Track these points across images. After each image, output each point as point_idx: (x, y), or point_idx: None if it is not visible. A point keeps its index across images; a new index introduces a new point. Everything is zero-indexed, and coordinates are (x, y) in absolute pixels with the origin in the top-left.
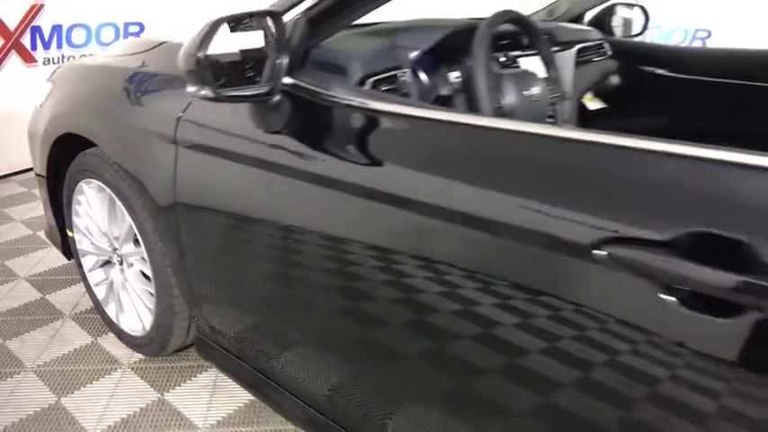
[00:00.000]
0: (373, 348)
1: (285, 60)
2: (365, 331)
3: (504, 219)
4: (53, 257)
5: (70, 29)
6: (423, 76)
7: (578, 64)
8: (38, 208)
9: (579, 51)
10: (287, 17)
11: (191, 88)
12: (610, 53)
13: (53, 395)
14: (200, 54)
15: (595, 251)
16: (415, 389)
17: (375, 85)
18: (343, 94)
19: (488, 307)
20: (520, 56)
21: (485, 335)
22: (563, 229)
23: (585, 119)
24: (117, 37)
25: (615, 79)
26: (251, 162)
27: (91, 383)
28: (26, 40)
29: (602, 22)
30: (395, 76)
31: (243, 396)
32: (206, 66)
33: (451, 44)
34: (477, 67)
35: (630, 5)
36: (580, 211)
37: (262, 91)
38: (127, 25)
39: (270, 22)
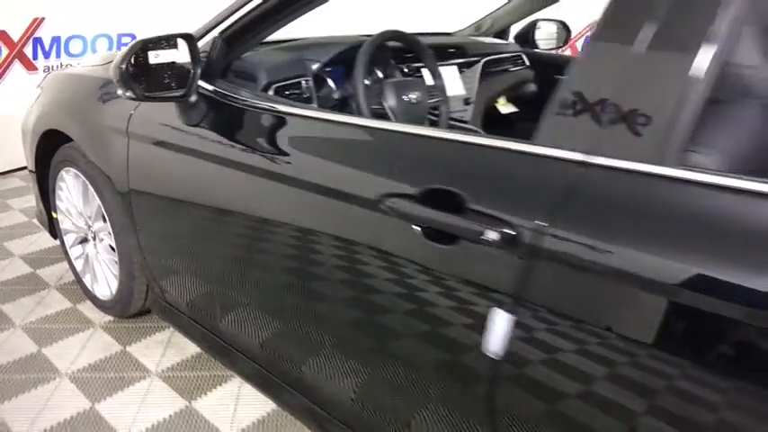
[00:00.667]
0: (293, 304)
1: (198, 71)
2: (283, 289)
3: (359, 192)
4: (44, 240)
5: (68, 40)
6: (326, 83)
7: (489, 73)
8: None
9: (490, 62)
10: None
11: (119, 91)
12: (527, 64)
13: (36, 346)
14: (123, 66)
15: (380, 204)
16: (330, 335)
17: (279, 91)
18: (246, 97)
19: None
20: (422, 66)
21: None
22: (378, 192)
23: (498, 120)
24: (111, 47)
25: (531, 87)
26: (178, 149)
27: (67, 338)
28: (28, 50)
29: (526, 37)
30: (299, 82)
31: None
32: (128, 75)
33: (346, 57)
34: (356, 77)
35: (552, 21)
36: (385, 177)
37: (177, 94)
38: (120, 36)
39: (183, 43)
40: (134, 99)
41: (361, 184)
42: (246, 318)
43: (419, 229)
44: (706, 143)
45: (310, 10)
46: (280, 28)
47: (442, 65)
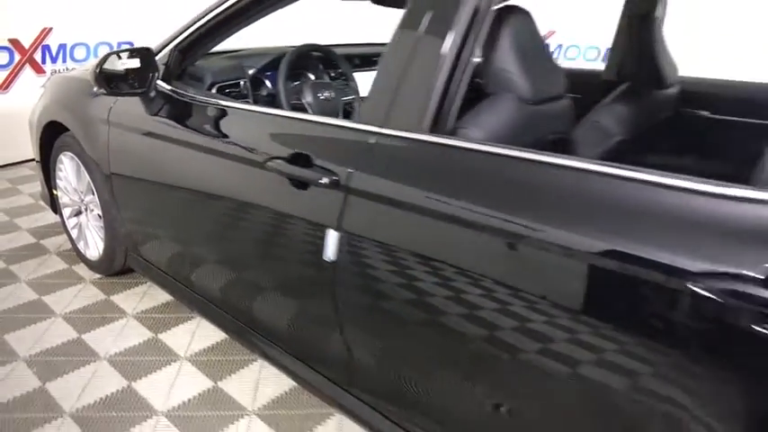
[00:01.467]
0: (231, 252)
1: (155, 74)
2: (224, 241)
3: (262, 159)
4: (47, 217)
5: (73, 47)
6: (263, 84)
7: None
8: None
9: None
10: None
11: (94, 89)
12: None
13: (37, 295)
14: (96, 70)
15: (268, 164)
16: (274, 287)
17: (221, 89)
18: (194, 94)
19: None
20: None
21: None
22: (269, 156)
23: None
24: None
25: None
26: (143, 132)
27: (63, 290)
28: (38, 56)
29: None
30: (238, 83)
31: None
32: (101, 77)
33: (276, 64)
34: (278, 80)
35: None
36: (277, 148)
37: (139, 91)
38: (120, 44)
39: (144, 55)
40: (104, 94)
41: (265, 153)
42: (203, 269)
43: (283, 179)
44: (474, 122)
45: (246, 26)
46: (221, 42)
47: (361, 70)
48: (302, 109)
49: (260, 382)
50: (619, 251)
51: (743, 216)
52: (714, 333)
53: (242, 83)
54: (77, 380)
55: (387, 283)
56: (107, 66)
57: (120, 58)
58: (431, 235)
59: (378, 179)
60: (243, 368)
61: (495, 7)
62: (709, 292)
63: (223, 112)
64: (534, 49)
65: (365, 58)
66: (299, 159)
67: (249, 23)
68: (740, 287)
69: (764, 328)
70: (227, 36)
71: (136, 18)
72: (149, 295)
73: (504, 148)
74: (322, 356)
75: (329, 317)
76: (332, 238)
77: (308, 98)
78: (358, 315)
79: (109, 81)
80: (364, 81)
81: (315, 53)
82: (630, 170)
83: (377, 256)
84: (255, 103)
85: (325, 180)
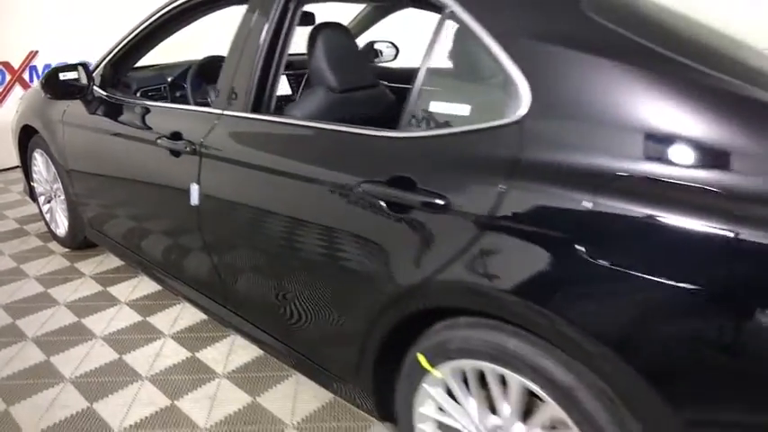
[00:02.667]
0: (147, 211)
1: (91, 83)
2: (154, 210)
3: (160, 141)
4: (30, 209)
5: None
6: (181, 88)
7: None
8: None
9: None
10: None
11: (44, 95)
12: None
13: (15, 263)
14: (43, 81)
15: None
16: (169, 231)
17: (144, 93)
18: (122, 97)
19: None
20: None
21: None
22: (161, 135)
23: None
24: None
25: None
26: (85, 128)
27: (38, 260)
28: (26, 76)
29: (367, 54)
30: (160, 88)
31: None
32: (48, 86)
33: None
34: (187, 84)
35: (384, 41)
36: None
37: (79, 95)
38: None
39: (81, 68)
40: (51, 98)
41: (157, 134)
42: (133, 229)
43: (168, 152)
44: (296, 106)
45: (157, 44)
46: (142, 55)
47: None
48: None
49: (232, 350)
50: (346, 183)
51: (386, 146)
52: (382, 227)
53: (162, 87)
54: (38, 315)
55: (231, 218)
56: (57, 77)
57: (62, 71)
58: (254, 182)
59: (218, 146)
60: (218, 341)
61: (306, 8)
62: (367, 196)
63: (142, 109)
64: (344, 52)
65: None
66: (174, 135)
67: (160, 42)
68: (377, 189)
69: (392, 214)
70: (146, 52)
71: (111, 39)
72: (105, 262)
73: (297, 120)
74: (205, 282)
75: (201, 247)
76: (194, 189)
77: (211, 96)
78: (217, 243)
79: (61, 90)
80: None
81: (220, 63)
82: (348, 127)
83: (223, 200)
84: (173, 102)
85: (188, 149)
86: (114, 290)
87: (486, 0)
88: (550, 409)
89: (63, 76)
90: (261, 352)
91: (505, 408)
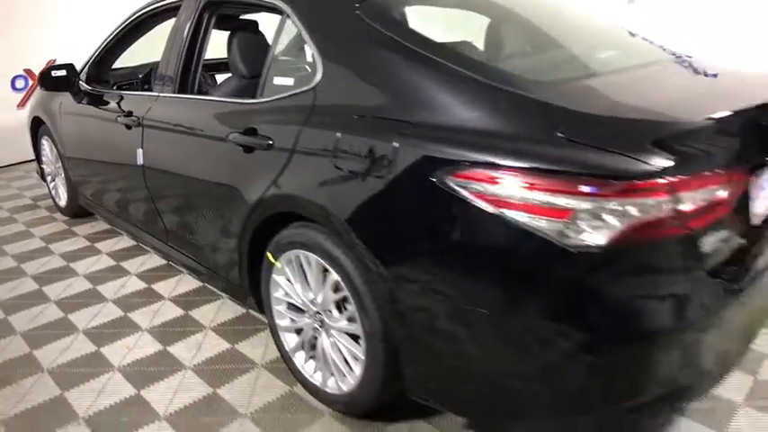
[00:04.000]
0: (117, 176)
1: (77, 79)
2: (115, 172)
3: (119, 119)
4: (43, 191)
5: None
6: (146, 82)
7: None
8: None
9: None
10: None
11: (40, 89)
12: None
13: (25, 228)
14: (39, 77)
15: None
16: (128, 188)
17: (119, 87)
18: (102, 89)
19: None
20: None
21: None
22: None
23: None
24: None
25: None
26: (74, 115)
27: (44, 225)
28: None
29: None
30: (132, 83)
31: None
32: (43, 80)
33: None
34: (152, 77)
35: None
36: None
37: (67, 89)
38: None
39: (69, 68)
40: (45, 90)
41: (118, 113)
42: (112, 197)
43: (124, 127)
44: (218, 89)
45: (129, 46)
46: (118, 55)
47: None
48: None
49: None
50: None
51: (245, 110)
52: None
53: (135, 82)
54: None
55: (162, 170)
56: (50, 74)
57: (53, 69)
58: (174, 141)
59: (154, 118)
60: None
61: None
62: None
63: (111, 97)
64: (251, 49)
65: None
66: (128, 114)
67: (129, 45)
68: (237, 137)
69: (246, 153)
70: (120, 53)
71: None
72: (96, 226)
73: (200, 96)
74: (153, 225)
75: (147, 197)
76: (139, 153)
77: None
78: (156, 191)
79: (52, 84)
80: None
81: None
82: (226, 98)
83: (156, 157)
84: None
85: (135, 122)
86: (100, 245)
87: (307, 9)
88: (332, 275)
89: (54, 73)
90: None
91: (314, 283)
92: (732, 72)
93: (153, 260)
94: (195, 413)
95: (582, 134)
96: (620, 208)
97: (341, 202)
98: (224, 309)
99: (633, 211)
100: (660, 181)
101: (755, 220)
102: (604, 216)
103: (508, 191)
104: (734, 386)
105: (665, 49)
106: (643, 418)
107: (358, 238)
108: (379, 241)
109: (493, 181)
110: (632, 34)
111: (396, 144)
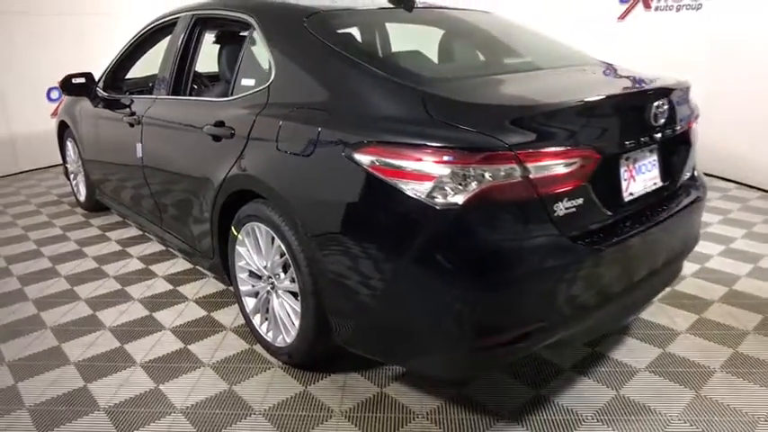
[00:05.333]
0: (126, 171)
1: (95, 86)
2: (140, 178)
3: (125, 119)
4: (69, 189)
5: None
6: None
7: None
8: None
9: None
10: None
11: (63, 95)
12: None
13: (48, 219)
14: (60, 83)
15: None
16: (134, 180)
17: (132, 92)
18: (116, 95)
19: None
20: None
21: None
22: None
23: None
24: None
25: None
26: (93, 116)
27: (64, 217)
28: None
29: None
30: (143, 90)
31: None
32: (63, 86)
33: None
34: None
35: None
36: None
37: (86, 94)
38: None
39: (87, 76)
40: (68, 95)
41: (126, 114)
42: (119, 189)
43: (128, 125)
44: (209, 92)
45: (141, 57)
46: (132, 66)
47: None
48: None
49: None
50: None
51: (218, 106)
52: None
53: (146, 89)
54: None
55: (156, 161)
56: (71, 80)
57: (73, 77)
58: (165, 135)
59: (151, 116)
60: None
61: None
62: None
63: (122, 101)
64: (236, 56)
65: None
66: (131, 114)
67: (141, 56)
68: (209, 128)
69: (215, 141)
70: (133, 63)
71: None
72: (109, 218)
73: (185, 97)
74: (151, 212)
75: (145, 186)
76: (139, 147)
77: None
78: (152, 180)
79: (72, 90)
80: None
81: None
82: (205, 98)
83: (152, 150)
84: None
85: (136, 121)
86: (110, 234)
87: (267, 22)
88: (277, 242)
89: (74, 80)
90: None
91: (265, 250)
92: (626, 75)
93: (154, 246)
94: (168, 361)
95: (453, 117)
96: (474, 174)
97: (281, 178)
98: (208, 285)
99: (486, 176)
100: (509, 153)
101: (628, 197)
102: (462, 180)
103: (392, 162)
104: (640, 355)
105: (586, 59)
106: (505, 354)
107: (293, 207)
108: (307, 209)
109: (381, 154)
110: (561, 46)
111: (319, 129)
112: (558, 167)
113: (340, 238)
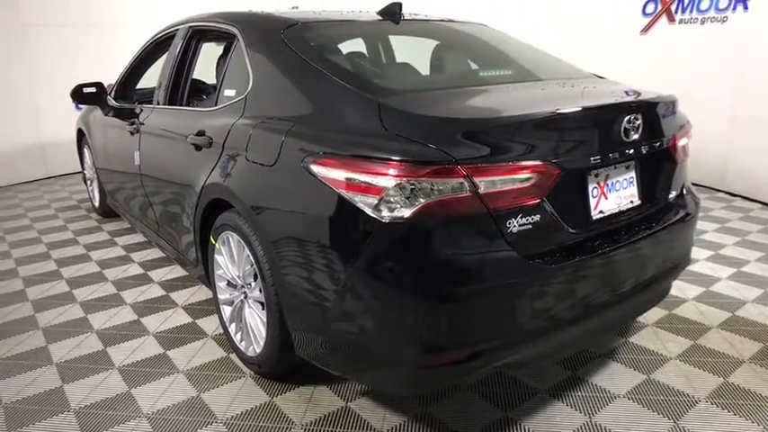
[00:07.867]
0: (128, 177)
1: (105, 95)
2: (145, 187)
3: (128, 127)
4: (83, 191)
5: None
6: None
7: None
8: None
9: None
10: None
11: (74, 103)
12: None
13: (63, 223)
14: (71, 92)
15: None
16: (135, 188)
17: (141, 102)
18: (125, 104)
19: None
20: None
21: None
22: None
23: None
24: None
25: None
26: (102, 125)
27: (78, 222)
28: None
29: None
30: (150, 99)
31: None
32: (75, 95)
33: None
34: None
35: None
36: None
37: (97, 103)
38: None
39: (98, 86)
40: (76, 104)
41: (132, 122)
42: (124, 195)
43: (129, 133)
44: (201, 103)
45: (149, 68)
46: (141, 76)
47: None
48: None
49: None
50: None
51: (201, 116)
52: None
53: (150, 99)
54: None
55: (151, 168)
56: (82, 90)
57: (85, 87)
58: (158, 143)
59: (148, 125)
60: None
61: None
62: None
63: (129, 110)
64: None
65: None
66: (132, 123)
67: (148, 67)
68: (192, 137)
69: (197, 150)
70: (142, 73)
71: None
72: (119, 224)
73: (175, 107)
74: (149, 218)
75: (143, 193)
76: (137, 155)
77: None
78: (148, 187)
79: (83, 99)
80: None
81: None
82: (192, 108)
83: (148, 158)
84: None
85: (135, 129)
86: (118, 239)
87: (248, 33)
88: (247, 250)
89: (85, 89)
90: None
91: (237, 259)
92: (607, 89)
93: (156, 252)
94: (145, 365)
95: (405, 130)
96: (421, 187)
97: (247, 188)
98: (200, 292)
99: (432, 190)
100: (457, 168)
101: (598, 215)
102: (408, 194)
103: (342, 174)
104: (621, 381)
105: (574, 72)
106: (456, 372)
107: (258, 216)
108: (269, 219)
109: (333, 165)
110: (550, 59)
111: (283, 139)
112: (510, 183)
113: (296, 249)
